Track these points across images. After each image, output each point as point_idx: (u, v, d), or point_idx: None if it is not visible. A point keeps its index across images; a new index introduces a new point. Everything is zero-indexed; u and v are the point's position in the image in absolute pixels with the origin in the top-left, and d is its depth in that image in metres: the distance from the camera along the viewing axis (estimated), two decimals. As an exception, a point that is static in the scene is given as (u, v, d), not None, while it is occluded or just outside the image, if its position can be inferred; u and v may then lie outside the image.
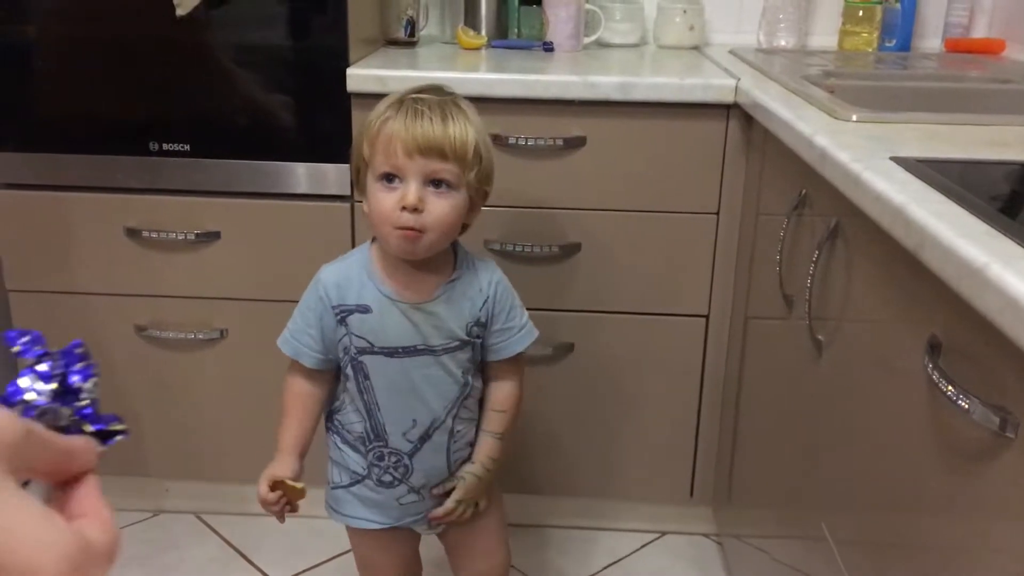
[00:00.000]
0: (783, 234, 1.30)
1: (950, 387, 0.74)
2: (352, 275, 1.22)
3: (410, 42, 1.89)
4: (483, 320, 1.25)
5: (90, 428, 0.52)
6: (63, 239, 1.71)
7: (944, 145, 1.08)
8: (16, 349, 0.51)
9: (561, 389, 1.75)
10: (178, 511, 1.92)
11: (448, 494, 1.29)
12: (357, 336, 1.22)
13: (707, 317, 1.70)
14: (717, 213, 1.64)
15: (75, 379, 0.52)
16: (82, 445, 0.48)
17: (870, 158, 0.98)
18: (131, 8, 1.58)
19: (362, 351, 1.22)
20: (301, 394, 1.28)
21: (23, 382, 0.50)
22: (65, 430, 0.50)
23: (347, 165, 1.36)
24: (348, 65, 1.59)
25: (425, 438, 1.26)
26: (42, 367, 0.51)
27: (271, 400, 1.78)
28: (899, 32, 1.97)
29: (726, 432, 1.71)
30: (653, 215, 1.65)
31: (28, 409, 0.50)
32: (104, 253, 1.70)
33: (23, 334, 0.52)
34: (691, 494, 1.82)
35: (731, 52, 1.89)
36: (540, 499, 1.87)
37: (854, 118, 1.19)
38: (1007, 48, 1.94)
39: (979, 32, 2.03)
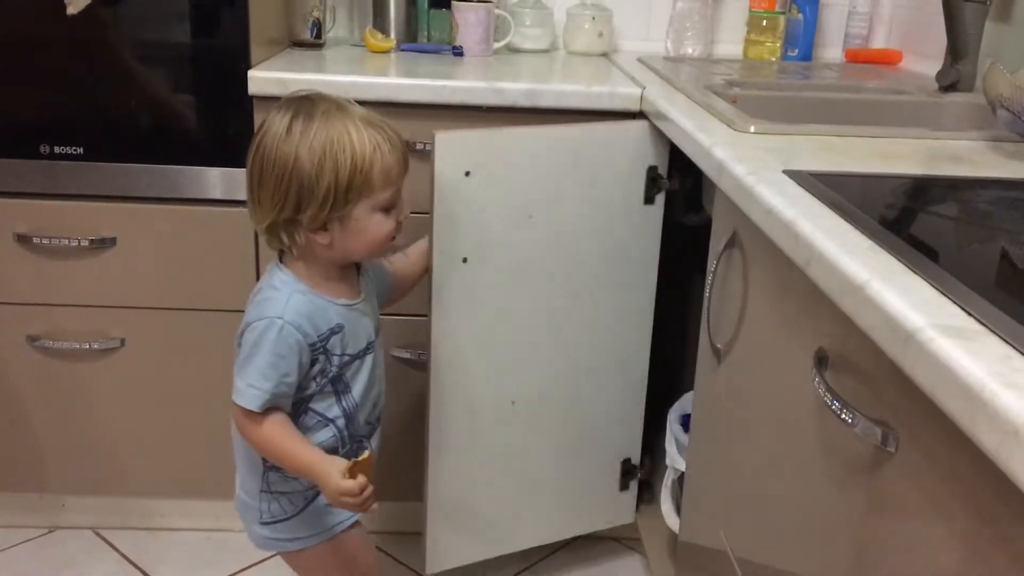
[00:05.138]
0: (685, 243, 1.31)
1: (835, 401, 0.75)
2: (312, 303, 1.20)
3: (317, 44, 1.86)
4: (381, 288, 1.36)
5: None
6: (-53, 245, 1.63)
7: (838, 157, 1.10)
8: None
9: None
10: (75, 527, 1.84)
11: None
12: (338, 355, 1.23)
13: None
14: (624, 220, 1.65)
15: None
16: None
17: (764, 171, 0.99)
18: (19, 4, 1.51)
19: (343, 365, 1.24)
20: (284, 423, 1.20)
21: None
22: None
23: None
24: (250, 67, 1.55)
25: (379, 415, 1.33)
26: None
27: (170, 410, 1.74)
28: (801, 42, 2.02)
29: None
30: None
31: None
32: (-8, 260, 1.63)
33: None
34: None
35: (639, 60, 1.91)
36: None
37: (752, 129, 1.20)
38: (903, 59, 2.00)
39: (878, 42, 2.09)
